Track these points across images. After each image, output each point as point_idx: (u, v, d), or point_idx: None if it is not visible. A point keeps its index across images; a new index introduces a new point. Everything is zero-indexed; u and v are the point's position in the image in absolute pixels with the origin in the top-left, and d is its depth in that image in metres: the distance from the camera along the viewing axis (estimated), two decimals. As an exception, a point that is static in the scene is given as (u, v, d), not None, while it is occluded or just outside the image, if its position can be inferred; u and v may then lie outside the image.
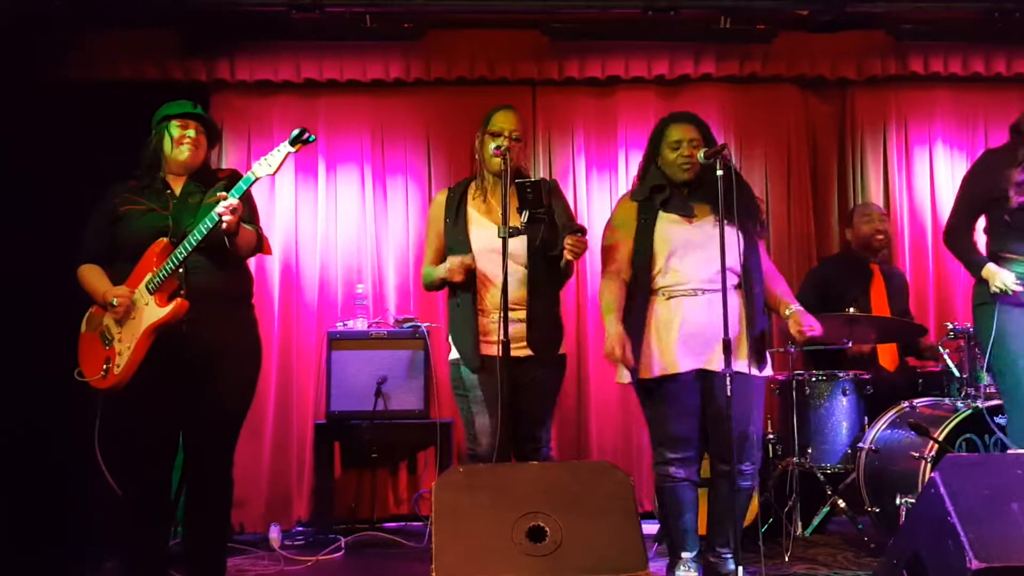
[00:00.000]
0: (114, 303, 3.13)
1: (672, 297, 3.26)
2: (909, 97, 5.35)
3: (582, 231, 3.21)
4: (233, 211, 3.04)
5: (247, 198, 3.25)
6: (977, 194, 3.57)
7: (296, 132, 3.10)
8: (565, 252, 3.18)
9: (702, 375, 3.25)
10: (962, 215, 3.63)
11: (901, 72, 5.14)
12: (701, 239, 3.24)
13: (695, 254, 3.23)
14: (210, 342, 3.19)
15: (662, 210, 3.31)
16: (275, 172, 3.12)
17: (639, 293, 3.30)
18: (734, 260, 3.22)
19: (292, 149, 3.10)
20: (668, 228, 3.29)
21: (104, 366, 3.18)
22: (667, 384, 3.25)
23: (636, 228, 3.32)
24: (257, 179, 3.11)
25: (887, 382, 4.43)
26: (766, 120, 5.31)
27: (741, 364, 3.22)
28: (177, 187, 3.30)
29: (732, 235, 3.20)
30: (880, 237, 4.75)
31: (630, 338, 3.22)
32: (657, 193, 3.33)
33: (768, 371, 3.37)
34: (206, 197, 3.19)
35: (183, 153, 3.27)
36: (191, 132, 3.28)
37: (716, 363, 3.17)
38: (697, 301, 3.23)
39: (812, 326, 3.25)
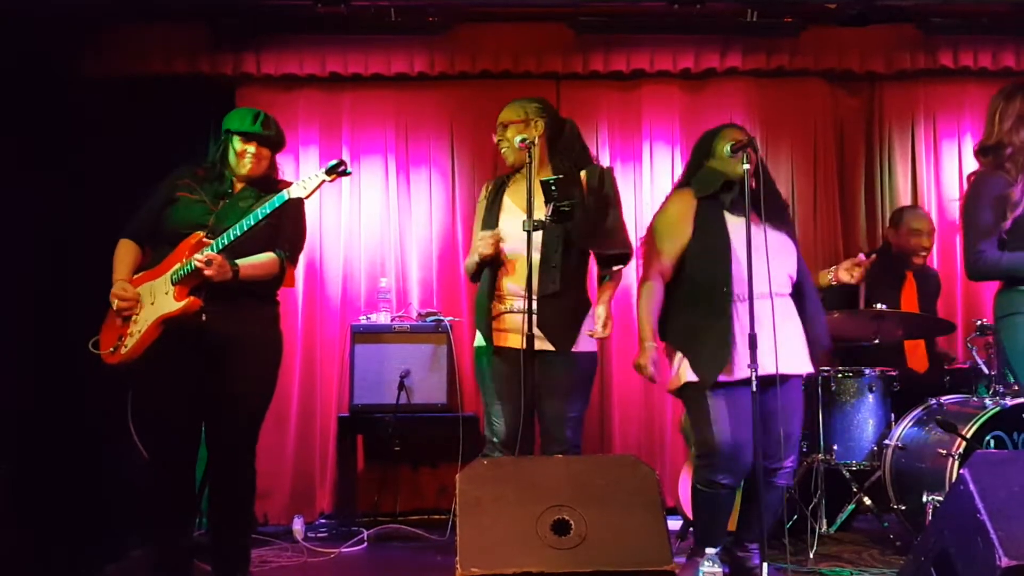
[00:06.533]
0: (113, 305, 3.27)
1: (743, 301, 3.15)
2: (938, 91, 5.29)
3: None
4: (208, 263, 3.10)
5: (290, 219, 3.35)
6: (990, 218, 3.24)
7: (333, 163, 3.16)
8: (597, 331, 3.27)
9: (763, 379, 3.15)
10: (983, 238, 3.25)
11: (930, 66, 5.08)
12: (763, 244, 3.15)
13: (761, 259, 3.12)
14: (229, 335, 3.25)
15: (729, 212, 3.25)
16: (307, 196, 3.17)
17: (711, 293, 3.21)
18: (792, 266, 3.28)
19: (327, 178, 3.15)
20: (736, 229, 3.21)
21: (117, 342, 3.27)
22: (734, 389, 3.17)
23: (697, 227, 3.26)
24: (289, 199, 3.15)
25: (914, 378, 4.38)
26: (793, 114, 5.27)
27: (803, 366, 3.28)
28: (238, 188, 3.38)
29: (787, 241, 3.27)
30: (925, 251, 4.69)
31: (698, 340, 3.21)
32: (726, 192, 3.25)
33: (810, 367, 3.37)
34: (255, 205, 3.23)
35: (243, 168, 3.36)
36: (251, 149, 3.35)
37: (780, 367, 3.11)
38: (766, 305, 3.12)
39: (858, 261, 3.37)
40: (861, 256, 3.40)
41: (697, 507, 3.35)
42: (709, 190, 3.28)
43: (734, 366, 3.16)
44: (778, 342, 3.10)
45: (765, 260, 3.08)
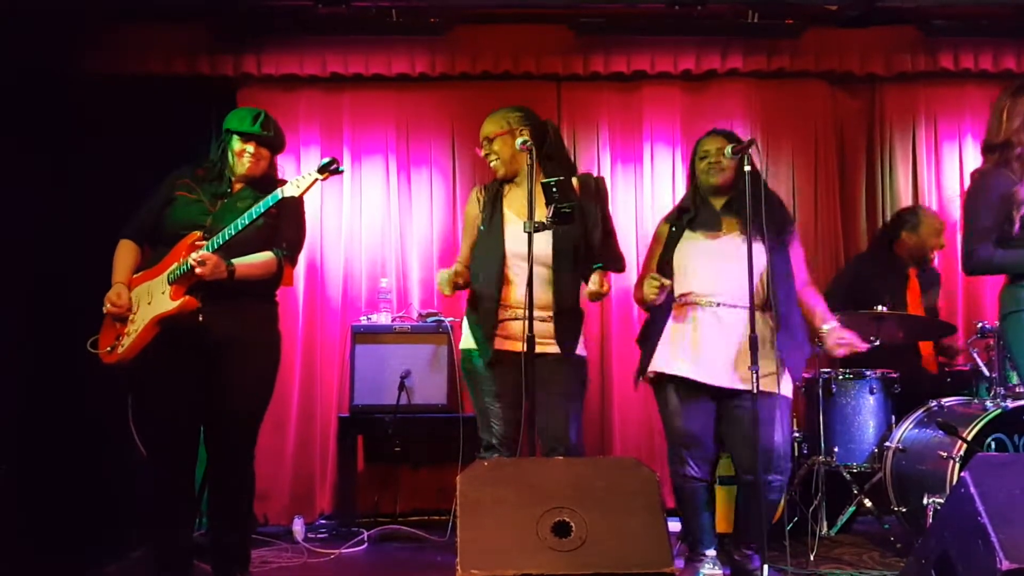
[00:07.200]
0: (104, 308, 3.28)
1: (688, 305, 3.32)
2: (939, 93, 5.29)
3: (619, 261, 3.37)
4: (202, 263, 3.10)
5: (288, 218, 3.35)
6: (990, 218, 3.17)
7: (325, 161, 3.16)
8: (590, 286, 3.23)
9: (715, 390, 3.27)
10: (981, 239, 3.19)
11: (931, 68, 5.09)
12: (725, 253, 3.27)
13: (715, 268, 3.26)
14: (228, 335, 3.25)
15: (688, 228, 3.39)
16: (301, 195, 3.18)
17: (660, 304, 3.33)
18: (756, 277, 3.22)
19: (320, 177, 3.16)
20: (690, 245, 3.36)
21: (114, 342, 3.28)
22: (682, 385, 3.30)
23: (663, 247, 3.43)
24: (284, 198, 3.15)
25: (916, 380, 4.37)
26: (794, 116, 5.27)
27: (764, 382, 3.13)
28: (237, 188, 3.39)
29: (760, 250, 3.18)
30: (940, 249, 4.72)
31: (649, 340, 3.35)
32: (684, 214, 3.42)
33: (788, 390, 3.33)
34: (252, 205, 3.21)
35: (242, 167, 3.36)
36: (250, 148, 3.35)
37: (728, 381, 3.22)
38: (715, 314, 3.26)
39: (841, 339, 3.29)
40: (862, 345, 3.36)
41: (680, 506, 3.42)
42: (672, 217, 3.48)
43: (667, 360, 3.30)
44: (725, 354, 3.22)
45: (723, 271, 3.23)
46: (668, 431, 3.40)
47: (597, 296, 3.23)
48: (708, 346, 3.26)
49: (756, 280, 3.20)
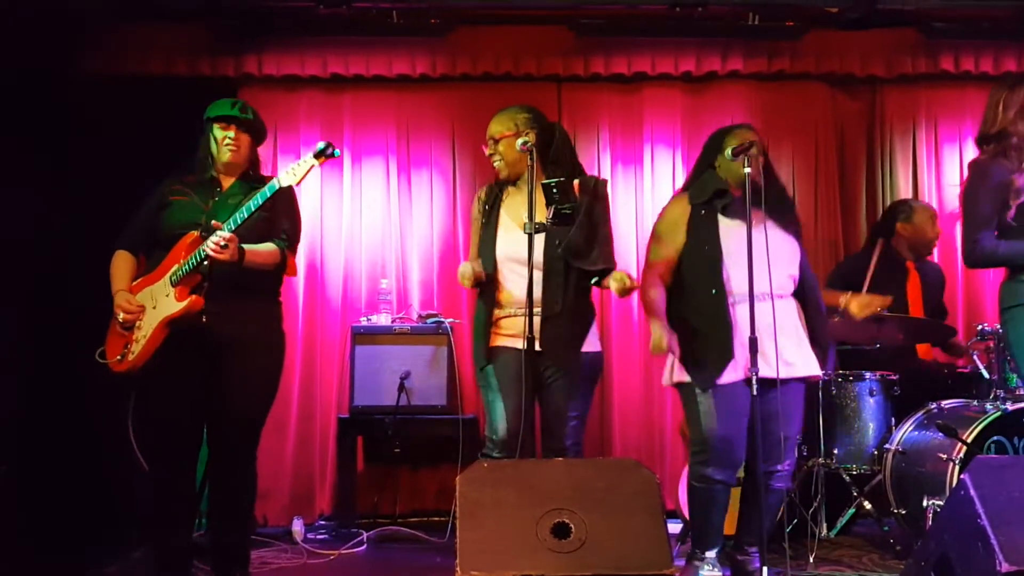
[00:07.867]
0: (119, 317, 3.25)
1: (740, 303, 3.20)
2: (939, 95, 5.29)
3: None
4: (223, 247, 3.08)
5: (284, 208, 3.34)
6: (990, 206, 3.24)
7: (321, 145, 3.14)
8: (613, 285, 3.25)
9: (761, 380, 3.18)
10: (982, 228, 3.25)
11: (931, 70, 5.09)
12: (762, 245, 3.15)
13: (762, 258, 3.13)
14: (230, 334, 3.24)
15: (723, 215, 3.27)
16: (298, 183, 3.15)
17: (704, 296, 3.23)
18: (794, 266, 3.29)
19: (316, 162, 3.14)
20: (734, 232, 3.23)
21: (123, 350, 3.27)
22: (725, 387, 3.20)
23: (691, 231, 3.29)
24: (281, 188, 3.13)
25: (915, 381, 4.37)
26: (794, 118, 5.27)
27: (806, 368, 3.26)
28: (226, 185, 3.38)
29: (792, 241, 3.28)
30: (937, 238, 4.73)
31: (693, 344, 3.23)
32: (719, 198, 3.28)
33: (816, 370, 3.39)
34: (245, 199, 3.21)
35: (225, 155, 3.35)
36: (231, 134, 3.34)
37: (785, 371, 3.15)
38: (763, 308, 3.15)
39: (878, 308, 3.47)
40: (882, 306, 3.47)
41: (693, 505, 3.38)
42: (702, 197, 3.30)
43: (725, 369, 3.19)
44: (778, 344, 3.13)
45: (763, 262, 3.10)
46: (697, 433, 3.26)
47: (624, 292, 3.27)
48: (767, 338, 3.15)
49: (795, 270, 3.28)
